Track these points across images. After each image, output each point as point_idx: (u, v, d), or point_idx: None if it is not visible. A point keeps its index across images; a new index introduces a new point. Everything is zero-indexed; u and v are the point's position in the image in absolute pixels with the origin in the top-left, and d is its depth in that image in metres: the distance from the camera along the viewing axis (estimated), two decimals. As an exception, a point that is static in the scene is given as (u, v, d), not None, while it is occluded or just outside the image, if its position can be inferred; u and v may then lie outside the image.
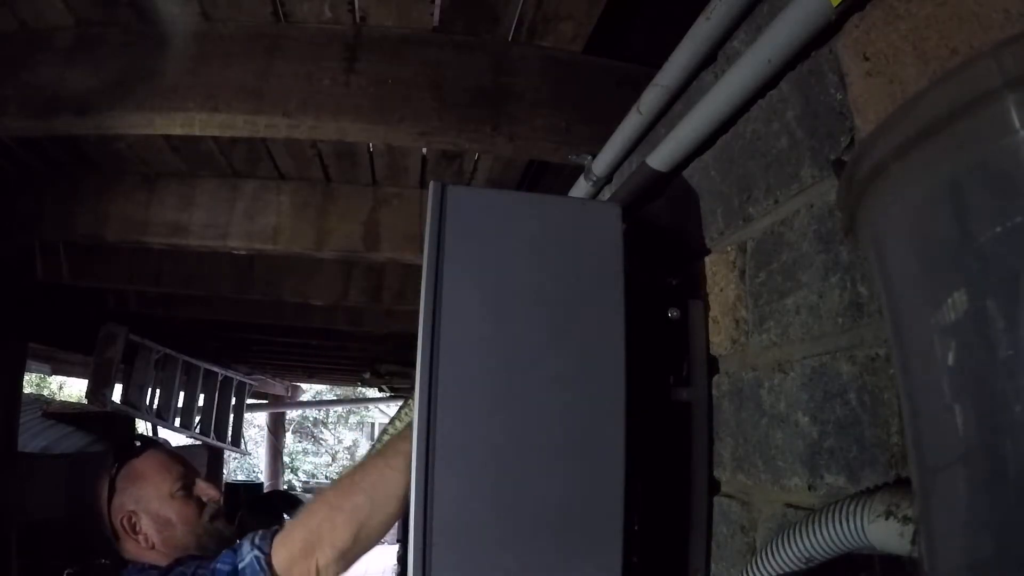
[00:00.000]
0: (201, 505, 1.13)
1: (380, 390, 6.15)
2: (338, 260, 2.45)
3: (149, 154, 1.91)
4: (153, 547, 1.07)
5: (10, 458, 2.80)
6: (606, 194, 1.24)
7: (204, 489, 1.15)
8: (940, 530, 0.42)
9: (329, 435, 13.76)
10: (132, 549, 1.09)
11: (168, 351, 4.07)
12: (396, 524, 1.01)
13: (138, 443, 1.22)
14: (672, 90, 0.94)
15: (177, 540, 1.07)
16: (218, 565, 0.96)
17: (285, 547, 0.95)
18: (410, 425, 0.82)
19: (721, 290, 0.92)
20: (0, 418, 2.76)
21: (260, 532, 0.99)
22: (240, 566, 0.94)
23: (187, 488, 1.13)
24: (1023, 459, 0.35)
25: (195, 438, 4.55)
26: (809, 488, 0.69)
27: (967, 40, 0.49)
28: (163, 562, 1.04)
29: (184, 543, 1.07)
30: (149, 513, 1.09)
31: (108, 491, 1.12)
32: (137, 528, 1.08)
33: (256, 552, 0.95)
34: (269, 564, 0.93)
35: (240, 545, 0.98)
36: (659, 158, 0.97)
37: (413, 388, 0.83)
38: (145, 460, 1.15)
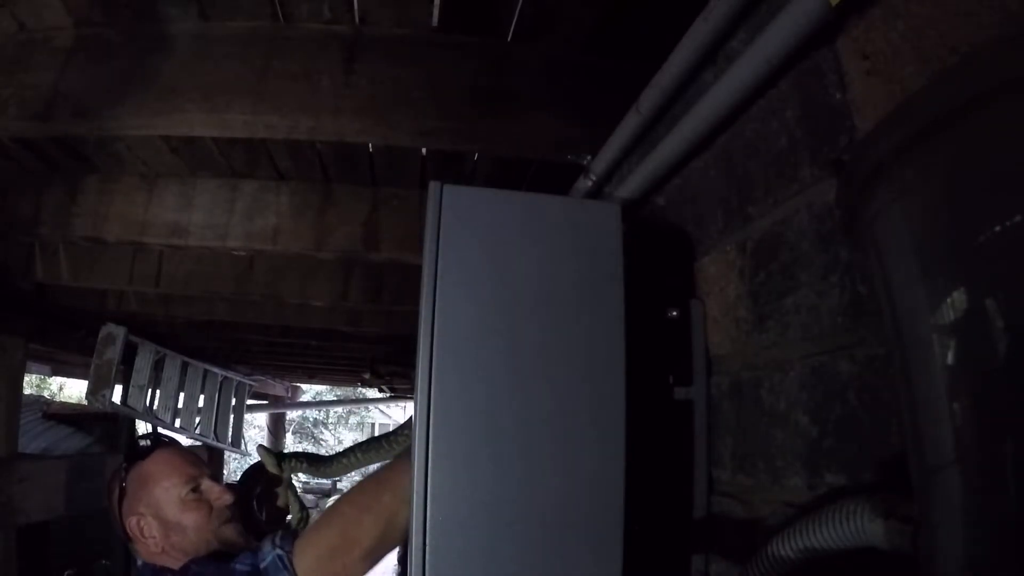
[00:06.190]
0: (211, 508, 1.10)
1: (380, 391, 6.15)
2: (338, 261, 2.45)
3: (148, 155, 1.91)
4: (163, 550, 1.06)
5: (10, 459, 2.80)
6: (606, 194, 1.24)
7: (214, 492, 1.11)
8: (940, 529, 0.42)
9: (329, 436, 13.76)
10: (143, 551, 1.08)
11: (168, 352, 4.06)
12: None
13: (147, 442, 1.18)
14: (671, 91, 0.94)
15: (186, 545, 1.05)
16: (237, 565, 0.96)
17: (311, 548, 0.94)
18: None
19: (721, 290, 0.92)
20: (1, 419, 2.76)
21: (280, 532, 0.99)
22: (262, 566, 0.93)
23: (197, 490, 1.10)
24: (1022, 458, 0.35)
25: (195, 439, 4.55)
26: (809, 488, 0.69)
27: (966, 39, 0.49)
28: (175, 565, 1.02)
29: (194, 548, 1.05)
30: (158, 518, 1.07)
31: (119, 493, 1.11)
32: (145, 532, 1.07)
33: (278, 551, 0.94)
34: (292, 563, 0.93)
35: (261, 546, 0.97)
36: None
37: (413, 389, 0.83)
38: (153, 462, 1.12)
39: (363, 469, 1.26)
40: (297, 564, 0.93)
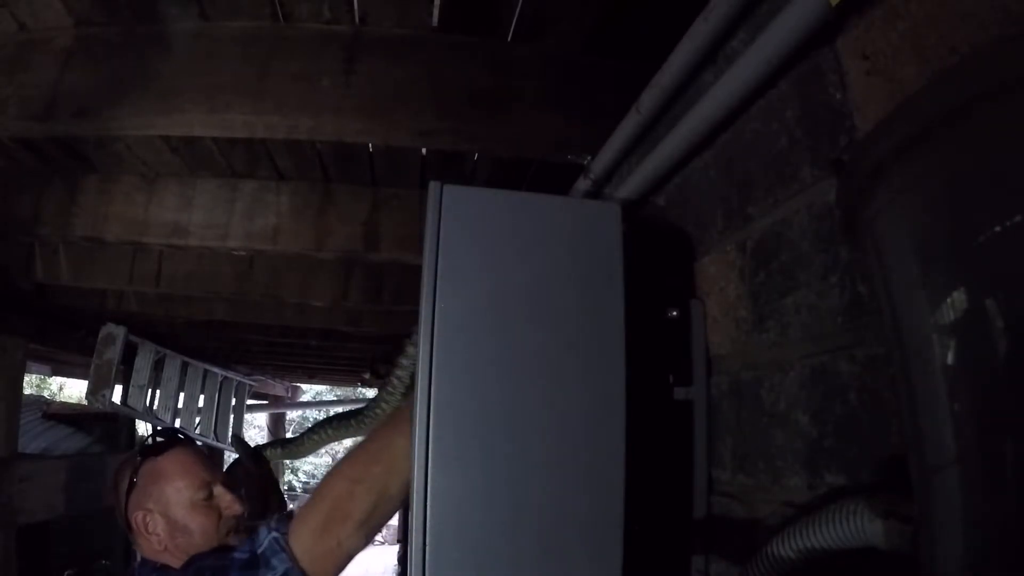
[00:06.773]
0: (220, 515, 1.09)
1: (380, 390, 6.15)
2: (338, 261, 2.45)
3: (148, 155, 1.91)
4: (166, 549, 1.06)
5: (10, 459, 2.80)
6: (606, 194, 1.23)
7: (226, 500, 1.10)
8: (940, 529, 0.42)
9: (329, 436, 13.74)
10: (144, 546, 1.08)
11: (168, 352, 4.06)
12: (396, 524, 1.00)
13: (164, 438, 1.16)
14: (671, 91, 0.94)
15: (190, 547, 1.05)
16: (236, 555, 0.96)
17: (305, 526, 0.95)
18: (409, 392, 0.81)
19: (721, 290, 0.92)
20: (1, 419, 2.76)
21: (276, 516, 0.99)
22: (259, 551, 0.94)
23: (209, 496, 1.09)
24: (1022, 458, 0.35)
25: (195, 439, 4.55)
26: (809, 488, 0.69)
27: (966, 39, 0.49)
28: (175, 563, 1.02)
29: (197, 551, 1.04)
30: (166, 517, 1.06)
31: (128, 484, 1.10)
32: (149, 528, 1.06)
33: (274, 534, 0.95)
34: (287, 543, 0.93)
35: (257, 532, 0.97)
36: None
37: (413, 389, 0.83)
38: (169, 460, 1.11)
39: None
40: (293, 544, 0.93)
